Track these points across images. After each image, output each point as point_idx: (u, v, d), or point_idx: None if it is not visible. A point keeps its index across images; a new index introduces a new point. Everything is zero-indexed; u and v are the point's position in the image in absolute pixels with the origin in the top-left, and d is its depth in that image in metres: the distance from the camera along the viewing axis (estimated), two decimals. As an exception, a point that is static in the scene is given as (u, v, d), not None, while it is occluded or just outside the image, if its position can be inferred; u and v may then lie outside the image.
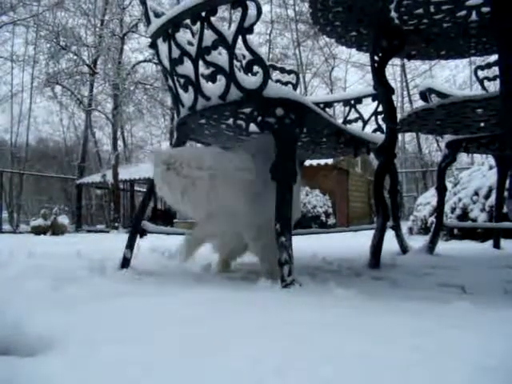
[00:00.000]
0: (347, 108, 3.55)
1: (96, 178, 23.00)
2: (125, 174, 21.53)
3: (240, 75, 2.03)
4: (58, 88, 24.50)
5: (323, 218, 14.71)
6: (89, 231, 19.97)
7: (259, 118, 2.14)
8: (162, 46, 2.39)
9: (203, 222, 2.23)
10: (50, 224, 12.93)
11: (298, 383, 0.85)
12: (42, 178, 26.41)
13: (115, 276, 2.27)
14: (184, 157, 2.11)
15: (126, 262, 2.49)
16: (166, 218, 21.21)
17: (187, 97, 2.26)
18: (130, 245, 2.50)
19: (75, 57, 22.89)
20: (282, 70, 3.73)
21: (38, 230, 12.65)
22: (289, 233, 1.94)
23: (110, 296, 1.70)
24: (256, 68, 2.02)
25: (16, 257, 2.98)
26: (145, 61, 23.81)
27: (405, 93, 28.27)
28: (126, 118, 23.98)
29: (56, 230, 12.87)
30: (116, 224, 20.00)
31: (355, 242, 5.36)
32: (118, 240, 8.40)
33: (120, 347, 1.06)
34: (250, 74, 2.20)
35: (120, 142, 24.47)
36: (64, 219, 13.69)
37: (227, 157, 2.18)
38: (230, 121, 2.28)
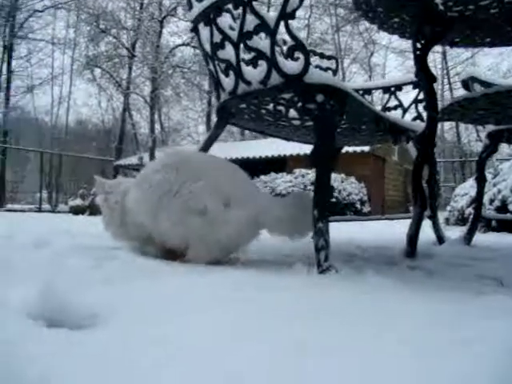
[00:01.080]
0: (387, 95, 3.51)
1: (133, 160, 23.28)
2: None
3: (281, 60, 2.03)
4: (97, 71, 24.89)
5: (358, 205, 14.63)
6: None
7: (299, 104, 2.14)
8: (204, 31, 2.41)
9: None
10: (87, 204, 13.18)
11: (345, 367, 0.86)
12: (81, 159, 26.85)
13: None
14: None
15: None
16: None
17: (228, 81, 2.27)
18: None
19: (114, 40, 23.16)
20: (322, 56, 3.70)
21: (76, 210, 12.92)
22: (326, 218, 1.95)
23: (151, 274, 1.74)
24: (297, 53, 2.02)
25: (57, 236, 3.05)
26: (183, 44, 23.93)
27: (445, 80, 27.80)
28: (163, 101, 24.17)
29: (93, 210, 13.09)
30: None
31: (390, 231, 5.35)
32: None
33: (163, 324, 1.10)
34: (290, 60, 2.20)
35: (157, 125, 24.69)
36: (101, 200, 13.91)
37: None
38: (270, 106, 2.29)
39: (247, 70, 2.15)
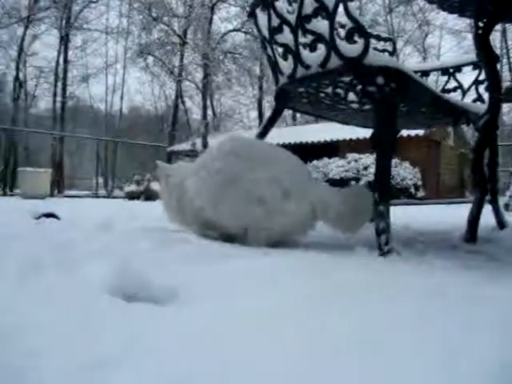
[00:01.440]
0: (445, 77, 3.44)
1: (186, 146, 23.53)
2: (213, 142, 21.89)
3: (340, 43, 2.02)
4: (149, 58, 25.18)
5: (412, 190, 14.41)
6: (178, 197, 20.50)
7: (359, 87, 2.13)
8: (261, 15, 2.42)
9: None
10: (142, 190, 13.44)
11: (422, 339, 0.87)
12: (135, 145, 27.32)
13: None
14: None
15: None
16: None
17: (286, 65, 2.28)
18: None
19: (166, 27, 23.32)
20: (378, 38, 3.65)
21: (131, 195, 13.19)
22: (387, 202, 1.94)
23: (218, 255, 1.78)
24: (356, 36, 2.01)
25: (119, 219, 3.14)
26: (234, 30, 23.91)
27: (504, 60, 26.83)
28: (215, 87, 24.26)
29: (149, 195, 13.34)
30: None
31: (446, 216, 5.24)
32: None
33: (237, 300, 1.14)
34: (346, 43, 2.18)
35: (209, 111, 24.84)
36: (156, 185, 14.14)
37: None
38: (329, 89, 2.29)
39: (306, 54, 2.16)
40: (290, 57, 2.22)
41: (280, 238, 2.19)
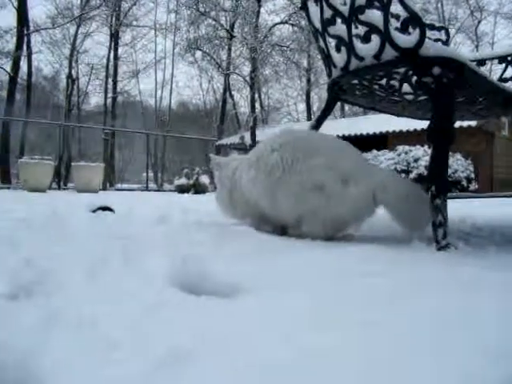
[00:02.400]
0: (502, 65, 3.33)
1: (234, 139, 23.65)
2: (262, 135, 21.92)
3: (395, 34, 1.99)
4: (198, 53, 25.36)
5: (464, 183, 14.11)
6: (227, 191, 20.67)
7: (414, 78, 2.09)
8: (313, 7, 2.40)
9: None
10: (192, 183, 13.58)
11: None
12: (184, 139, 27.63)
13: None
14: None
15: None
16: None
17: (339, 57, 2.25)
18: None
19: (214, 22, 23.41)
20: (432, 27, 3.57)
21: (181, 189, 13.35)
22: (444, 195, 1.90)
23: (276, 249, 1.78)
24: (411, 26, 1.97)
25: (173, 213, 3.18)
26: (281, 22, 23.80)
27: None
28: (263, 80, 24.25)
29: (198, 188, 13.48)
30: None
31: (502, 209, 5.11)
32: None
33: (300, 293, 1.13)
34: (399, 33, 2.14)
35: (257, 104, 24.87)
36: (205, 179, 14.28)
37: None
38: (383, 81, 2.25)
39: (359, 45, 2.13)
40: (343, 49, 2.19)
41: (337, 229, 2.17)
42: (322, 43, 2.39)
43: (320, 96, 32.81)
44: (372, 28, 2.03)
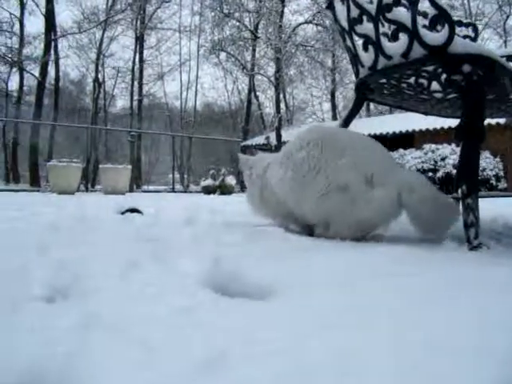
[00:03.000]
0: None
1: (259, 139, 23.67)
2: (287, 135, 21.88)
3: (423, 31, 1.97)
4: (222, 54, 25.46)
5: (493, 181, 13.90)
6: (253, 192, 20.70)
7: (443, 76, 2.07)
8: (339, 6, 2.39)
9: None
10: (218, 184, 13.62)
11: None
12: (209, 140, 27.75)
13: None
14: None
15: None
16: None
17: (367, 56, 2.24)
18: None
19: (238, 23, 23.47)
20: (460, 23, 3.52)
21: (207, 190, 13.40)
22: (475, 194, 1.87)
23: (306, 250, 1.78)
24: (440, 23, 1.95)
25: (200, 214, 3.19)
26: (305, 22, 23.76)
27: None
28: (287, 80, 24.22)
29: (224, 189, 13.52)
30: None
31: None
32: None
33: (333, 293, 1.13)
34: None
35: (282, 105, 24.85)
36: (231, 180, 14.32)
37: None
38: (412, 80, 2.23)
39: (387, 44, 2.11)
40: (370, 48, 2.17)
41: (364, 231, 2.15)
42: (349, 42, 2.37)
43: (345, 95, 32.69)
44: (400, 26, 2.01)
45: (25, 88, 28.60)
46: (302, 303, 1.05)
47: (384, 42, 2.11)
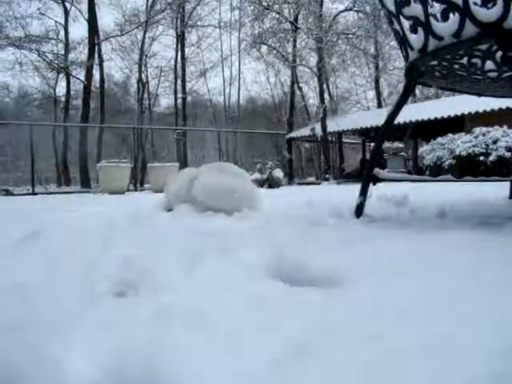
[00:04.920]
0: None
1: (304, 131, 23.57)
2: (332, 125, 21.70)
3: (475, 8, 1.89)
4: (263, 48, 25.38)
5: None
6: (300, 183, 20.71)
7: (499, 54, 1.99)
8: (384, -11, 2.32)
9: None
10: (265, 177, 13.63)
11: None
12: (254, 134, 27.78)
13: (356, 221, 2.33)
14: None
15: (360, 210, 2.50)
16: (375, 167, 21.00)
17: (416, 39, 2.17)
18: (364, 192, 2.50)
19: (277, 15, 23.34)
20: None
21: (255, 184, 13.42)
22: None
23: (364, 239, 1.73)
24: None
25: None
26: (345, 10, 23.50)
27: None
28: (330, 69, 24.01)
29: (272, 183, 13.52)
30: (327, 176, 20.38)
31: None
32: (333, 190, 8.57)
33: (408, 280, 1.09)
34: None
35: (325, 95, 24.62)
36: (279, 173, 14.30)
37: None
38: (464, 60, 2.15)
39: (437, 25, 2.04)
40: (419, 29, 2.10)
41: None
42: (396, 26, 2.30)
43: (389, 82, 32.22)
44: (450, 5, 1.94)
45: (72, 92, 29.31)
46: (375, 291, 1.02)
47: (434, 22, 2.04)
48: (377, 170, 2.52)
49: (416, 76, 2.42)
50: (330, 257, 1.34)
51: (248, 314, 0.88)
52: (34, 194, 15.37)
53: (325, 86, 24.53)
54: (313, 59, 24.11)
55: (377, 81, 29.85)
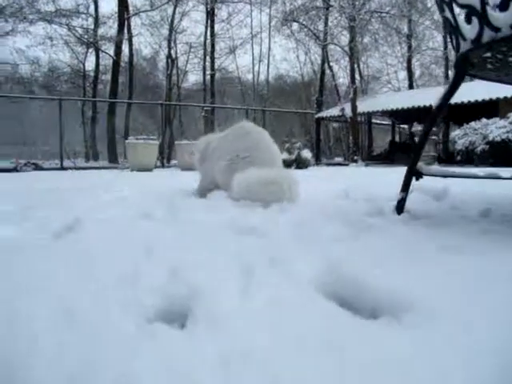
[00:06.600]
0: None
1: (334, 111, 23.30)
2: (362, 106, 21.41)
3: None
4: (294, 25, 25.08)
5: None
6: (328, 164, 20.57)
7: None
8: (436, -26, 2.19)
9: None
10: (294, 158, 13.52)
11: None
12: (283, 113, 27.56)
13: (399, 220, 2.21)
14: None
15: (401, 206, 2.39)
16: (404, 150, 20.80)
17: (469, 29, 2.04)
18: (406, 188, 2.39)
19: (310, -8, 23.02)
20: None
21: (284, 164, 13.31)
22: None
23: (418, 247, 1.59)
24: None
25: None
26: (380, -13, 23.00)
27: None
28: (361, 49, 23.63)
29: (300, 163, 13.41)
30: (355, 157, 20.19)
31: None
32: (363, 174, 8.40)
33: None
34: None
35: (356, 75, 24.23)
36: (307, 153, 14.18)
37: None
38: (522, 52, 2.02)
39: (494, 15, 1.91)
40: (474, 19, 1.97)
41: None
42: (448, 14, 2.17)
43: (422, 62, 31.61)
44: (510, -6, 1.81)
45: (101, 67, 29.36)
46: (461, 326, 0.86)
47: (491, 12, 1.91)
48: (420, 165, 2.41)
49: (467, 68, 2.30)
50: (389, 272, 1.20)
51: (315, 355, 0.78)
52: (62, 168, 15.49)
53: (355, 65, 24.14)
54: (344, 38, 23.76)
55: (409, 61, 29.25)
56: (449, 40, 2.38)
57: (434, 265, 1.30)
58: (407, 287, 1.03)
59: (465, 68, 2.28)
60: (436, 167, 2.46)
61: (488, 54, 2.10)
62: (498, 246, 1.59)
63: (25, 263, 1.39)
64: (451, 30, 2.21)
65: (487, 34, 1.94)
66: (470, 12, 1.99)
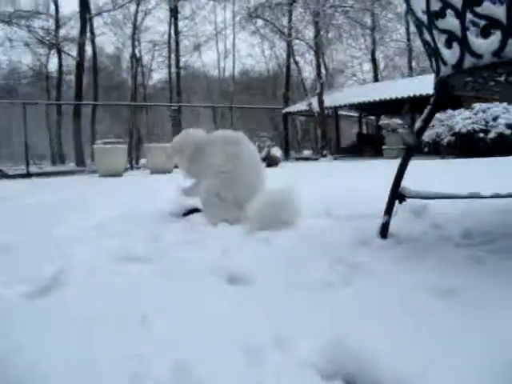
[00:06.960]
0: None
1: (301, 106, 23.38)
2: (329, 100, 21.52)
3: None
4: (259, 22, 25.03)
5: None
6: (297, 159, 20.64)
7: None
8: (414, -4, 2.16)
9: None
10: (264, 156, 13.48)
11: None
12: (250, 109, 27.49)
13: (385, 246, 2.20)
14: None
15: (385, 230, 2.36)
16: (372, 142, 20.97)
17: (450, 54, 2.01)
18: (389, 211, 2.36)
19: (273, -12, 23.01)
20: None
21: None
22: None
23: (415, 297, 1.47)
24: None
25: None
26: (342, -18, 23.08)
27: None
28: (326, 43, 23.72)
29: (270, 161, 13.39)
30: (324, 152, 20.29)
31: None
32: (336, 173, 8.30)
33: None
34: None
35: (321, 69, 24.30)
36: (277, 151, 14.17)
37: None
38: (502, 78, 2.01)
39: (476, 42, 1.89)
40: (455, 45, 1.95)
41: None
42: (427, 37, 2.15)
43: (386, 54, 31.84)
44: (492, 21, 1.79)
45: (64, 68, 28.89)
46: None
47: (472, 38, 1.89)
48: (403, 187, 2.38)
49: (447, 91, 2.28)
50: (394, 343, 1.05)
51: None
52: (28, 174, 15.10)
53: (320, 60, 24.21)
54: (309, 32, 23.79)
55: (373, 53, 29.50)
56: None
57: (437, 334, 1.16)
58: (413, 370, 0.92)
59: (445, 91, 2.27)
60: (419, 191, 2.42)
61: (469, 79, 2.09)
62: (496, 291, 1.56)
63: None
64: (431, 52, 2.19)
65: (468, 60, 1.92)
66: (451, 37, 1.97)
